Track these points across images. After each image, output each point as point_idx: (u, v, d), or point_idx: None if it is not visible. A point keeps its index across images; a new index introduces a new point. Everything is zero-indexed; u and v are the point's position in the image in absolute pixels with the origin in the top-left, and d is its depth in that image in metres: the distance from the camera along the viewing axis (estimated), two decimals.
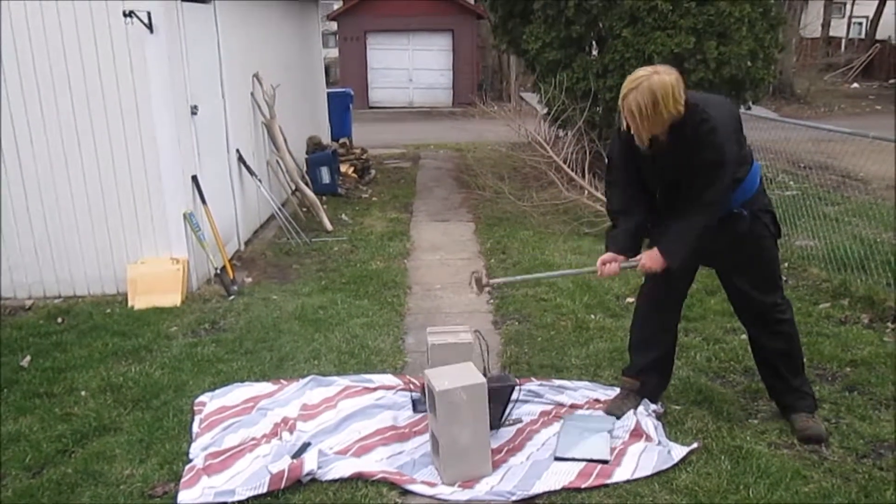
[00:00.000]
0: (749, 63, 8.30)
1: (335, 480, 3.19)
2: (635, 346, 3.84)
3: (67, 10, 5.16)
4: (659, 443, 3.44)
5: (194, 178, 5.73)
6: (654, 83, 3.07)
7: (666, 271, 3.41)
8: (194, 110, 5.78)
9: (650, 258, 3.42)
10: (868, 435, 3.53)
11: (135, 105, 5.34)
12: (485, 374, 3.51)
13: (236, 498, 3.05)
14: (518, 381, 3.77)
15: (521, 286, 5.69)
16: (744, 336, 4.68)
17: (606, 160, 3.67)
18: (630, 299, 5.42)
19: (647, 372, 3.77)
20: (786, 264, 6.07)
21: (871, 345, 4.53)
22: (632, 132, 3.23)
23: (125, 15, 5.14)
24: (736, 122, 3.34)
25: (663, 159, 3.27)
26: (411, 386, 4.08)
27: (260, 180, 7.29)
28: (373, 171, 10.87)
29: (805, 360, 3.76)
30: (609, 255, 3.50)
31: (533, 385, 4.06)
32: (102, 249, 5.59)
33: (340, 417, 3.76)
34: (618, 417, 3.67)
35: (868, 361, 4.30)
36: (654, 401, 3.79)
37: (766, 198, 3.51)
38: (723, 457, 3.34)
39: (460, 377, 3.20)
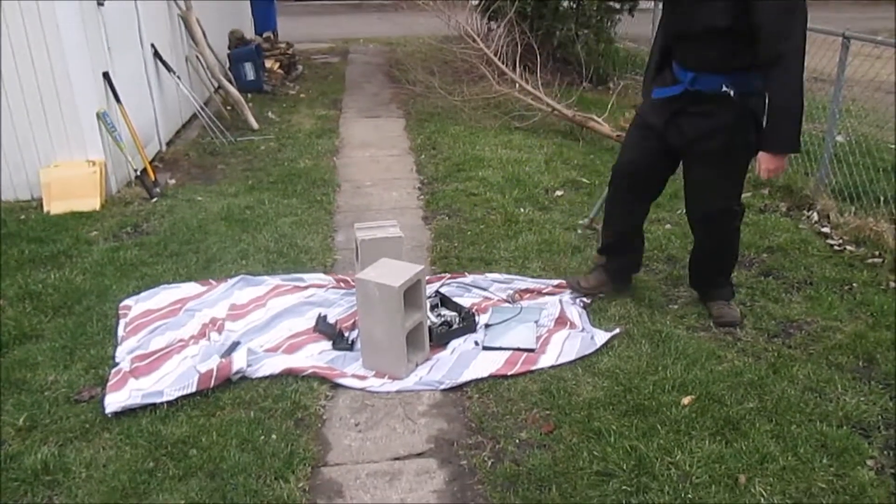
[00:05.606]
0: None
1: (265, 377, 3.20)
2: (605, 221, 3.88)
3: None
4: (583, 329, 3.55)
5: (106, 75, 5.41)
6: None
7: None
8: (101, 1, 5.39)
9: (766, 161, 3.13)
10: (779, 316, 3.71)
11: None
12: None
13: (165, 398, 3.04)
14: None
15: (452, 181, 5.68)
16: (668, 226, 4.81)
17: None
18: (559, 192, 5.48)
19: (612, 249, 3.85)
20: None
21: (787, 231, 4.70)
22: None
23: None
24: None
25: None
26: (342, 284, 4.08)
27: (179, 77, 6.95)
28: (300, 67, 10.48)
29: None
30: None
31: (465, 279, 4.10)
32: (11, 153, 5.28)
33: (270, 316, 3.74)
34: (577, 289, 3.84)
35: (783, 248, 4.47)
36: (620, 281, 3.90)
37: (762, 101, 3.15)
38: (643, 340, 3.47)
39: (386, 274, 3.17)
